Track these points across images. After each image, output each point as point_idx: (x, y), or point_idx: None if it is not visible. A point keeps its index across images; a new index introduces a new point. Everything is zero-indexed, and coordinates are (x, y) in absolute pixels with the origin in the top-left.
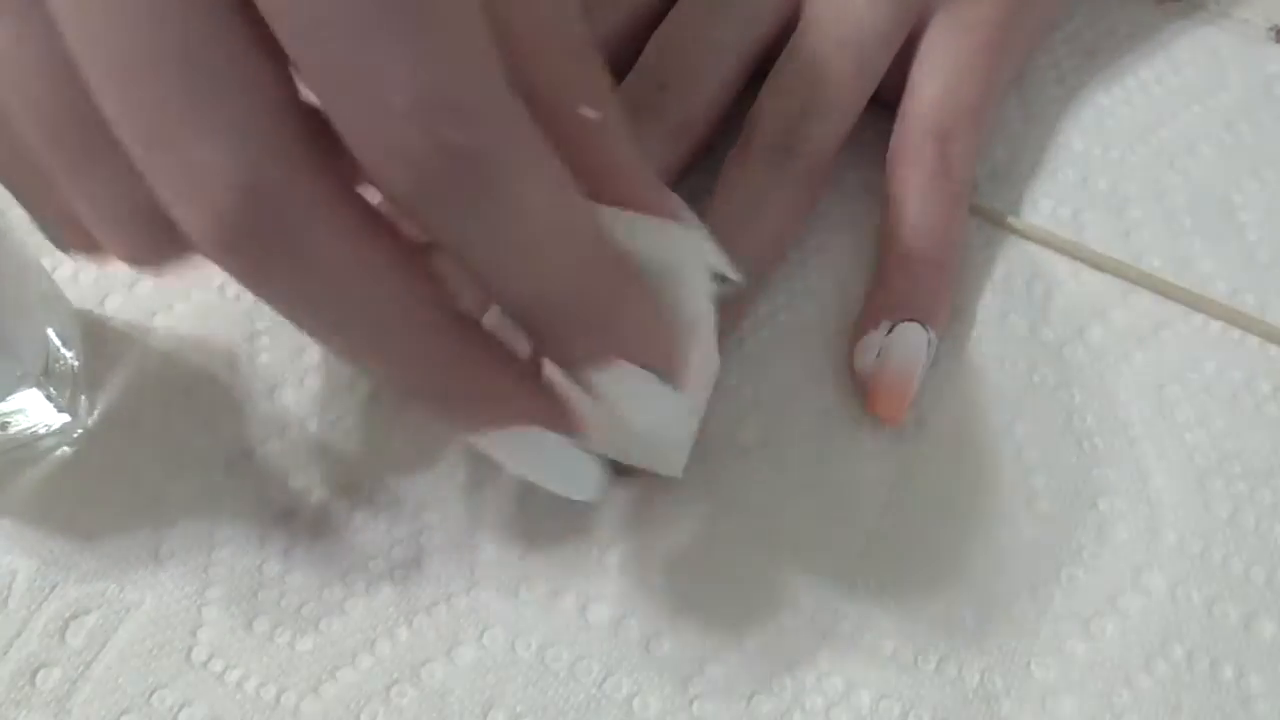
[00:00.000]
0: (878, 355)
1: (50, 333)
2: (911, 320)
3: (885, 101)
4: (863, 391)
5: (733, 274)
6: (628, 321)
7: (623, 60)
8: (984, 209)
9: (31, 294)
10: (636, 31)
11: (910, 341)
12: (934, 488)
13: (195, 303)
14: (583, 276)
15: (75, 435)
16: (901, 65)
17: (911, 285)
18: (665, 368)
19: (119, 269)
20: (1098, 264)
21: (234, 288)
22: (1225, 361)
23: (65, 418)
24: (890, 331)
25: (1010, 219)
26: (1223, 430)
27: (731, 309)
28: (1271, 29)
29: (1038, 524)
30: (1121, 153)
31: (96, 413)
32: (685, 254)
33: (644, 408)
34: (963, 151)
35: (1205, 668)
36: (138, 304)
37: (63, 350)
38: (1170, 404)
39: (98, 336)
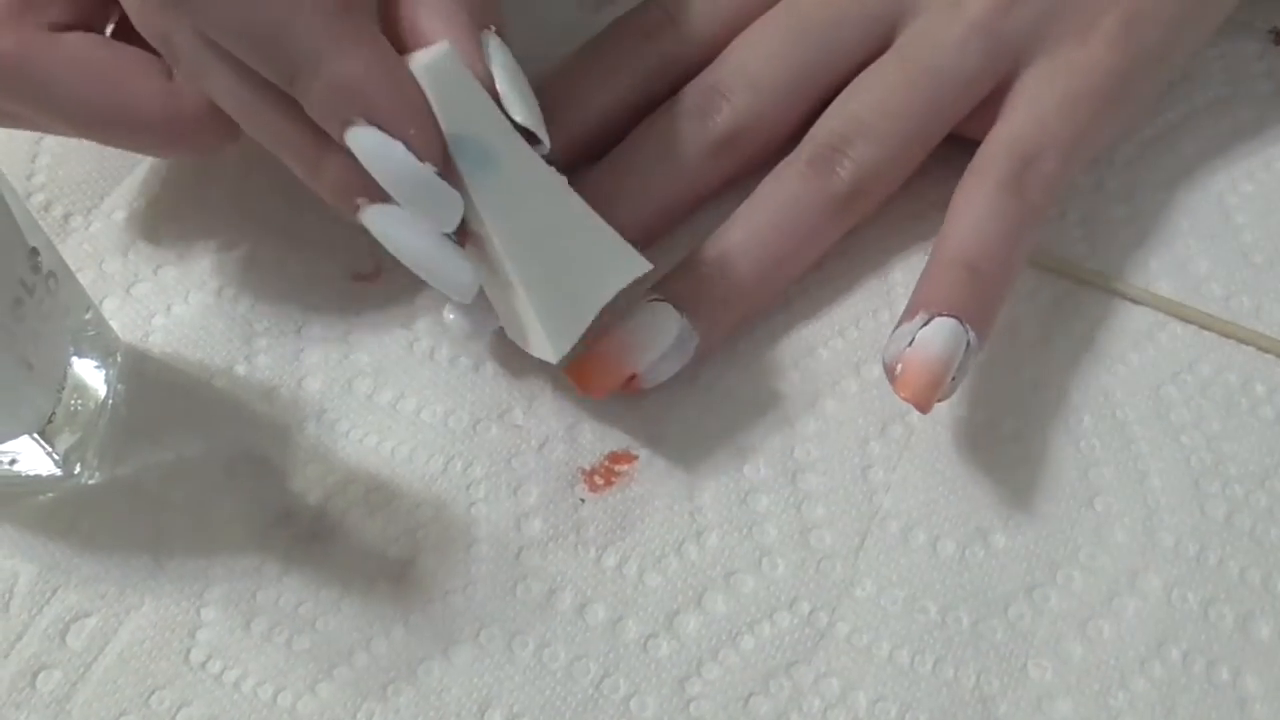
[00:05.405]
0: (910, 343)
1: (80, 369)
2: (951, 316)
3: (971, 140)
4: (891, 378)
5: (519, 117)
6: (361, 70)
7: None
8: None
9: (57, 337)
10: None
11: (945, 333)
12: (927, 488)
13: (193, 305)
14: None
15: (66, 486)
16: (990, 109)
17: (957, 288)
18: (412, 133)
19: None
20: (1089, 280)
21: (232, 290)
22: (1220, 364)
23: (58, 473)
24: (926, 324)
25: None
26: (1218, 433)
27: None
28: (1270, 31)
29: (1034, 524)
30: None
31: (97, 475)
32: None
33: (393, 175)
34: (1042, 180)
35: (1201, 669)
36: (136, 307)
37: (91, 385)
38: (1166, 406)
39: None
